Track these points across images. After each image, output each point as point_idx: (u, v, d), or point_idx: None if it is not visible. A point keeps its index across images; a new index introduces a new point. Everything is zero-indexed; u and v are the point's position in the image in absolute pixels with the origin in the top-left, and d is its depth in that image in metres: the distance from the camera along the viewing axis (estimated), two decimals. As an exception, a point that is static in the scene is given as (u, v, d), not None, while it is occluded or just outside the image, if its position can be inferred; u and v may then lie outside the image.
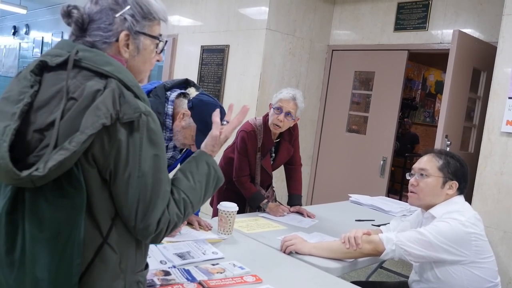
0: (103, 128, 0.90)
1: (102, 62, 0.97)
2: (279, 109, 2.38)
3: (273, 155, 2.60)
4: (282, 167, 2.75)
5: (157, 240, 1.03)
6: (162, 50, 1.15)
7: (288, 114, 2.38)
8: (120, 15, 1.02)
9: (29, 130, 0.93)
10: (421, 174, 1.81)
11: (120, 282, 1.00)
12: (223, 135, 1.22)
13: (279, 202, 2.63)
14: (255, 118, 2.56)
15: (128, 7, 1.03)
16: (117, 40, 1.03)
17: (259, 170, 2.54)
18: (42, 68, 0.99)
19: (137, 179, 0.96)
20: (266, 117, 2.49)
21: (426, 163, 1.82)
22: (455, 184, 1.77)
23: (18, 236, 0.93)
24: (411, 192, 1.84)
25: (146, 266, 1.12)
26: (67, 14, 1.01)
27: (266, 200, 2.46)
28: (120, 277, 1.00)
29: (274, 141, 2.54)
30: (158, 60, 1.15)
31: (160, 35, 1.12)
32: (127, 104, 0.94)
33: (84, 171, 0.93)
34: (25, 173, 0.86)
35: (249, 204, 2.51)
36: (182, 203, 1.06)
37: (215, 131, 1.22)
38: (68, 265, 0.91)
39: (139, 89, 1.01)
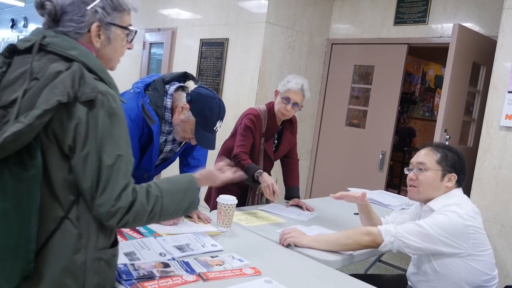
0: (62, 105, 0.98)
1: (67, 46, 1.05)
2: (287, 100, 2.42)
3: (276, 142, 2.61)
4: (278, 163, 2.75)
5: (114, 219, 1.04)
6: (132, 39, 1.21)
7: (296, 105, 2.43)
8: (91, 7, 1.08)
9: None
10: (420, 168, 1.81)
11: (80, 257, 1.06)
12: (217, 175, 1.42)
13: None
14: (258, 106, 2.58)
15: (99, 0, 1.09)
16: (89, 31, 1.10)
17: (262, 156, 2.54)
18: (13, 52, 1.08)
19: (95, 155, 1.01)
20: (270, 104, 2.52)
21: (424, 157, 1.82)
22: (454, 176, 1.78)
23: None
24: (410, 186, 1.85)
25: (114, 245, 1.16)
26: (40, 6, 1.08)
27: (261, 170, 2.35)
28: (80, 251, 1.06)
29: (279, 127, 2.56)
30: (129, 48, 1.22)
31: (130, 25, 1.18)
32: (86, 84, 1.01)
33: (43, 146, 1.01)
34: None
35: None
36: (154, 199, 1.11)
37: (215, 170, 1.42)
38: (26, 232, 0.99)
39: (105, 74, 1.08)
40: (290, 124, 2.63)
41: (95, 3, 1.08)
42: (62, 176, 1.03)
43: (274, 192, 2.24)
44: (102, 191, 1.02)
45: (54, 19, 1.08)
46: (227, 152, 2.60)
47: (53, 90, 0.97)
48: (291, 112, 2.46)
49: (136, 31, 1.21)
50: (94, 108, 1.01)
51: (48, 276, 1.03)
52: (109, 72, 1.15)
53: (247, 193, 2.56)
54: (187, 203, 1.21)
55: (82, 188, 1.03)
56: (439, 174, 1.78)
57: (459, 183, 1.81)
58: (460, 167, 1.80)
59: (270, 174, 2.69)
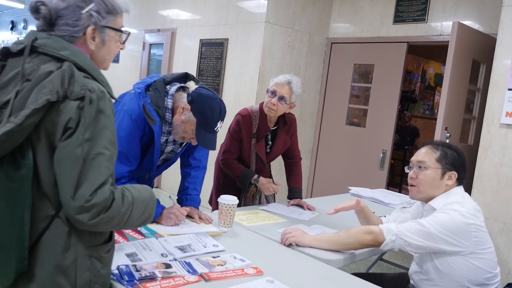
0: (53, 104, 1.00)
1: (59, 47, 1.06)
2: (273, 93, 2.39)
3: (270, 143, 2.59)
4: (282, 162, 2.75)
5: (86, 215, 1.01)
6: (124, 41, 1.23)
7: (281, 98, 2.37)
8: (86, 11, 1.10)
9: None
10: (420, 167, 1.81)
11: (71, 254, 1.08)
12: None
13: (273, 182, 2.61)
14: (252, 105, 2.58)
15: (93, 4, 1.11)
16: (84, 34, 1.12)
17: (254, 157, 2.53)
18: (7, 54, 1.10)
19: (76, 148, 1.01)
20: (262, 104, 2.50)
21: (424, 155, 1.82)
22: (454, 174, 1.78)
23: None
24: (411, 185, 1.84)
25: (107, 241, 1.16)
26: (35, 10, 1.09)
27: (256, 176, 2.44)
28: (71, 249, 1.07)
29: (271, 128, 2.53)
30: (121, 49, 1.25)
31: (122, 26, 1.20)
32: (76, 83, 1.03)
33: (34, 145, 1.03)
34: None
35: (240, 183, 2.48)
36: (128, 204, 1.09)
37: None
38: (20, 230, 1.02)
39: (97, 72, 1.10)
40: (285, 124, 2.56)
41: (89, 7, 1.10)
42: (52, 175, 1.04)
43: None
44: (78, 185, 1.00)
45: (49, 22, 1.09)
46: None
47: (42, 89, 0.99)
48: (278, 107, 2.38)
49: (129, 33, 1.23)
50: (83, 105, 1.02)
51: (40, 274, 1.06)
52: (106, 72, 1.17)
53: (239, 195, 2.55)
54: (147, 215, 1.18)
55: (58, 181, 1.03)
56: (439, 172, 1.78)
57: (459, 181, 1.80)
58: (460, 165, 1.80)
59: (270, 175, 2.70)
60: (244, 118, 2.46)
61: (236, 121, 2.48)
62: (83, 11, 1.10)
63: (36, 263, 1.06)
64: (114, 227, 1.11)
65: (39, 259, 1.06)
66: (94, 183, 1.02)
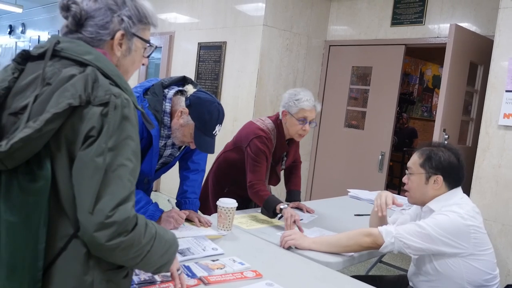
0: (74, 109, 0.93)
1: (82, 51, 1.00)
2: (303, 120, 2.31)
3: (285, 158, 2.53)
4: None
5: (104, 233, 0.91)
6: (149, 55, 1.19)
7: (312, 122, 2.35)
8: (118, 15, 1.06)
9: (4, 114, 0.99)
10: (409, 173, 1.83)
11: (88, 278, 0.98)
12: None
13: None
14: (262, 119, 2.42)
15: (126, 8, 1.08)
16: (112, 38, 1.07)
17: (268, 174, 2.46)
18: (26, 58, 1.04)
19: (97, 157, 0.92)
20: (277, 121, 2.38)
21: (411, 161, 1.84)
22: (439, 178, 1.75)
23: None
24: (406, 191, 1.87)
25: (121, 266, 1.05)
26: (66, 8, 1.04)
27: (283, 205, 2.12)
28: (89, 272, 0.98)
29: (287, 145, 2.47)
30: (143, 64, 1.19)
31: (149, 39, 1.17)
32: (100, 87, 0.96)
33: (53, 155, 0.94)
34: None
35: (264, 208, 2.22)
36: (150, 236, 1.01)
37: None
38: (34, 249, 0.93)
39: (120, 79, 1.02)
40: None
41: (122, 11, 1.07)
42: (71, 192, 0.95)
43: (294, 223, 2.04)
44: (98, 198, 0.91)
45: (78, 22, 1.04)
46: (228, 164, 2.51)
47: (63, 93, 0.92)
48: (308, 131, 2.37)
49: (156, 47, 1.19)
50: (107, 111, 0.94)
51: None
52: None
53: (246, 202, 2.49)
54: (167, 259, 1.10)
55: (76, 194, 0.93)
56: (422, 177, 1.78)
57: (450, 184, 1.77)
58: (446, 167, 1.75)
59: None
60: (268, 140, 2.32)
61: (262, 143, 2.29)
62: (115, 15, 1.06)
63: (49, 286, 0.96)
64: (130, 259, 0.99)
65: (53, 282, 0.96)
66: (115, 197, 0.92)
